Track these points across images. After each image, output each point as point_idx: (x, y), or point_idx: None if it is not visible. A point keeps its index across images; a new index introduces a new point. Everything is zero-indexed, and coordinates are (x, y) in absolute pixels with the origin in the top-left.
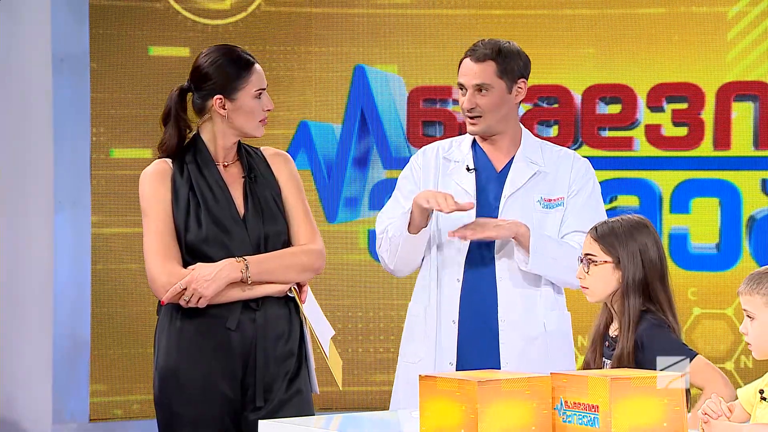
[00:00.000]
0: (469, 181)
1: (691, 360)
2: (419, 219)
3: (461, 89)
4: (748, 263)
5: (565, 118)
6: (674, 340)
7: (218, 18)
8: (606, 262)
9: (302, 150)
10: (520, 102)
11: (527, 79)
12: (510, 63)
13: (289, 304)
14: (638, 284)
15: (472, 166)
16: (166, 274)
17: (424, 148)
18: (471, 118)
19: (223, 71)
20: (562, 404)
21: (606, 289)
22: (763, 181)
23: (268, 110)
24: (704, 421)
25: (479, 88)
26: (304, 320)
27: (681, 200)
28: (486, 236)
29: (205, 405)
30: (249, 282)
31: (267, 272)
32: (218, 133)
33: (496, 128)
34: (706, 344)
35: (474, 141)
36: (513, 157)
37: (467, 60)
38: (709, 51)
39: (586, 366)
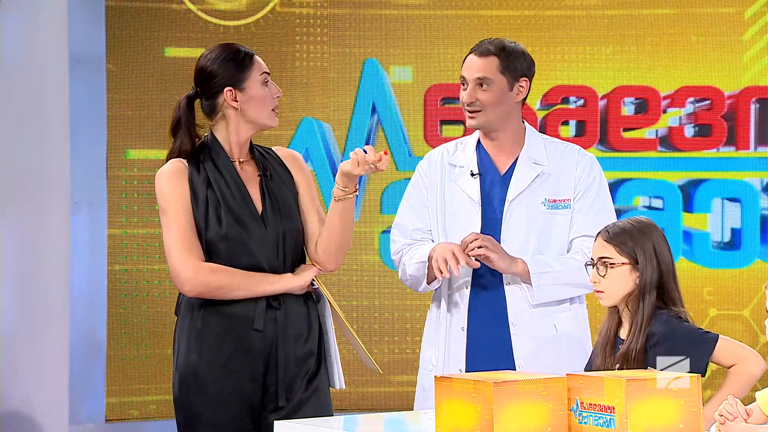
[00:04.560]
0: (474, 186)
1: (715, 343)
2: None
3: (462, 84)
4: (762, 264)
5: (589, 119)
6: (694, 328)
7: (234, 19)
8: (623, 263)
9: (310, 149)
10: (523, 101)
11: (530, 80)
12: (513, 60)
13: (308, 302)
14: (655, 284)
15: (476, 171)
16: (191, 268)
17: (429, 153)
18: (470, 112)
19: (228, 64)
20: (578, 405)
21: (623, 291)
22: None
23: (278, 97)
24: (720, 423)
25: (480, 82)
26: (328, 304)
27: (701, 200)
28: (494, 261)
29: (226, 405)
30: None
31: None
32: (232, 130)
33: (495, 124)
34: None
35: (478, 143)
36: (517, 159)
37: (471, 55)
38: (726, 52)
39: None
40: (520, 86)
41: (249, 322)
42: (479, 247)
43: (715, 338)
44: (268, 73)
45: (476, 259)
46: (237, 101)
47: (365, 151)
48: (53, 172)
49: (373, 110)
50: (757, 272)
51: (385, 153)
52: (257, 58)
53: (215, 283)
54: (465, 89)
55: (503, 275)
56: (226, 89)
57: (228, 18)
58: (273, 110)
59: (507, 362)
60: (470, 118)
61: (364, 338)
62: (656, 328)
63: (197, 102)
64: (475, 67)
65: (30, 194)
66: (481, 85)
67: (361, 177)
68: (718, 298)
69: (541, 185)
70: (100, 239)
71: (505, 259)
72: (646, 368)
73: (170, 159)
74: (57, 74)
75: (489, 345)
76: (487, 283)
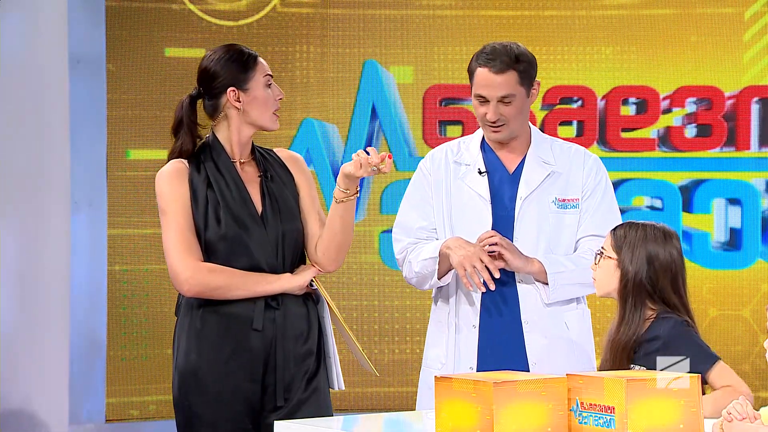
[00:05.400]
0: (483, 184)
1: (714, 361)
2: (448, 268)
3: (481, 101)
4: (764, 264)
5: (588, 119)
6: (697, 342)
7: (234, 19)
8: (610, 257)
9: (311, 150)
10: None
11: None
12: (528, 69)
13: (307, 303)
14: (638, 286)
15: (483, 169)
16: (190, 269)
17: (431, 152)
18: (495, 127)
19: (231, 64)
20: (578, 405)
21: (609, 284)
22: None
23: (280, 99)
24: (728, 420)
25: (503, 99)
26: (327, 305)
27: (701, 200)
28: (509, 261)
29: (226, 405)
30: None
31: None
32: (233, 130)
33: (516, 132)
34: (722, 345)
35: (483, 141)
36: (525, 158)
37: (486, 72)
38: (726, 52)
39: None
40: (534, 90)
41: (248, 322)
42: (494, 245)
43: (717, 358)
44: (271, 76)
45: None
46: (240, 102)
47: (368, 153)
48: (53, 172)
49: (373, 110)
50: (758, 272)
51: (389, 156)
52: (261, 59)
53: (213, 283)
54: (483, 104)
55: (515, 273)
56: (229, 89)
57: (228, 18)
58: (274, 112)
59: (519, 360)
60: (494, 132)
61: (364, 339)
62: (662, 331)
63: (199, 102)
64: (496, 85)
65: (30, 194)
66: (504, 101)
67: (362, 178)
68: (719, 299)
69: (551, 184)
70: (100, 239)
71: (521, 259)
72: (630, 367)
73: (171, 159)
74: (57, 74)
75: (501, 343)
76: (499, 281)
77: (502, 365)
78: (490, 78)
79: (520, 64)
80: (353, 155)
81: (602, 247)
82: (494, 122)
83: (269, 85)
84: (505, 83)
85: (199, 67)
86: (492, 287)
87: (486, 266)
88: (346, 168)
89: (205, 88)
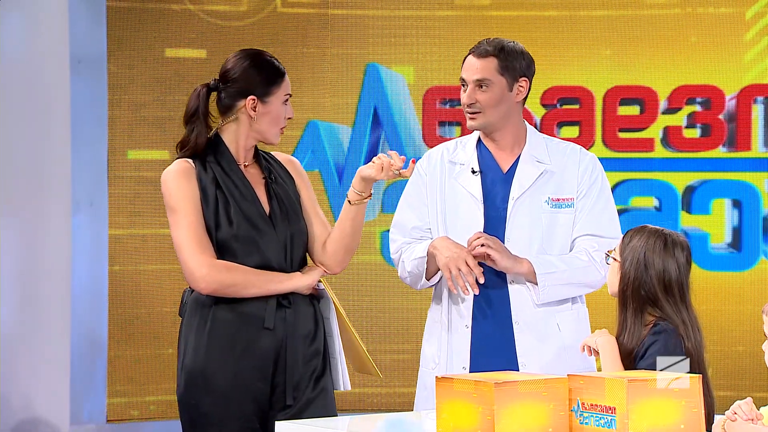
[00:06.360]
0: (475, 183)
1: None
2: (436, 269)
3: (463, 85)
4: (765, 264)
5: (586, 120)
6: (667, 349)
7: (235, 19)
8: (615, 260)
9: (315, 151)
10: (524, 100)
11: (530, 80)
12: (512, 61)
13: (313, 302)
14: (635, 292)
15: (477, 169)
16: (206, 266)
17: (428, 152)
18: (470, 113)
19: (260, 74)
20: (579, 406)
21: (613, 285)
22: None
23: (289, 118)
24: (732, 419)
25: (479, 83)
26: (332, 305)
27: (701, 201)
28: (497, 261)
29: (234, 404)
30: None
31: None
32: (241, 135)
33: (495, 125)
34: (723, 345)
35: (479, 141)
36: (518, 157)
37: (470, 57)
38: (727, 52)
39: None
40: (520, 86)
41: (259, 320)
42: (482, 246)
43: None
44: (290, 95)
45: (479, 263)
46: (255, 111)
47: (389, 156)
48: (54, 173)
49: (374, 111)
50: (759, 273)
51: (413, 161)
52: (287, 77)
53: (229, 281)
54: (465, 90)
55: (507, 274)
56: (249, 96)
57: (228, 18)
58: (281, 129)
59: (510, 360)
60: (470, 119)
61: (365, 339)
62: (652, 338)
63: (213, 96)
64: (474, 68)
65: (31, 194)
66: (480, 87)
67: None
68: (720, 298)
69: (544, 184)
70: (101, 240)
71: (509, 259)
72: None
73: (183, 150)
74: (58, 74)
75: (493, 343)
76: (491, 282)
77: (494, 366)
78: (471, 62)
79: (504, 54)
80: (374, 158)
81: (614, 248)
82: (469, 107)
83: (285, 103)
84: (482, 67)
85: (226, 62)
86: (476, 291)
87: (471, 270)
88: (365, 171)
89: (224, 85)
